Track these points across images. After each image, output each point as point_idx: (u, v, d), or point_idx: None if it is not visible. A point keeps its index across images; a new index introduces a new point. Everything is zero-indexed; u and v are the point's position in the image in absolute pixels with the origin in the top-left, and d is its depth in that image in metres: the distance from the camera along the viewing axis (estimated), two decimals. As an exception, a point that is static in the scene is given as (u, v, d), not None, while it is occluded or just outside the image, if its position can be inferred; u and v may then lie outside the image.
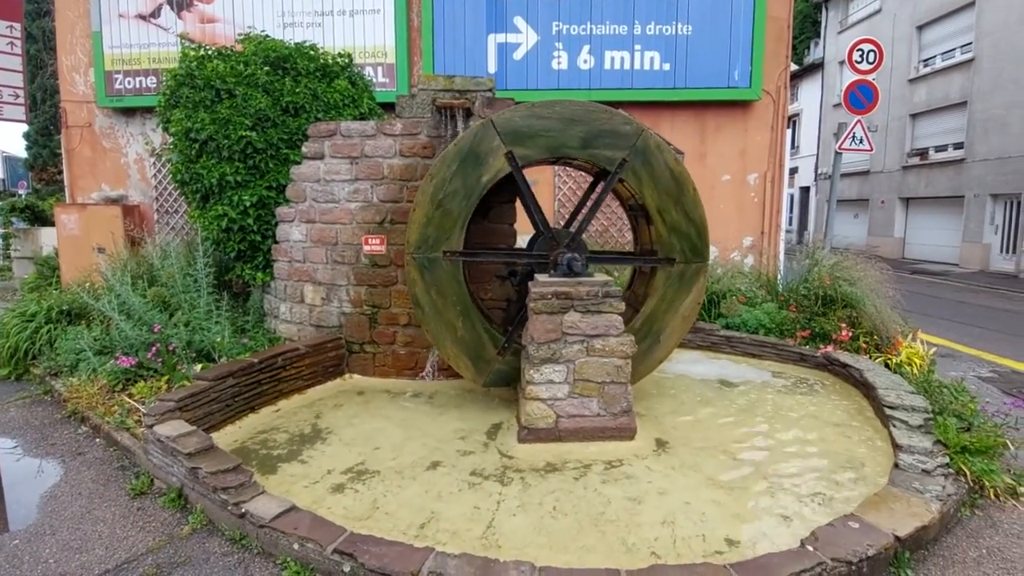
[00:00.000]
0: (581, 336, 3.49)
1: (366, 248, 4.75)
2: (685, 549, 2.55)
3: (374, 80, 7.76)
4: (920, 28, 16.90)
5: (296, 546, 2.44)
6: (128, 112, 8.60)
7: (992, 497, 3.17)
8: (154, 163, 8.60)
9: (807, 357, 5.32)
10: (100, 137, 8.74)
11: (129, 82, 8.35)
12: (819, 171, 22.23)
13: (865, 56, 6.78)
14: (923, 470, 3.18)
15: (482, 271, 4.72)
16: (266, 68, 5.29)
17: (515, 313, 4.56)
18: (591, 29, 7.64)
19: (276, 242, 5.21)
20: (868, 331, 5.40)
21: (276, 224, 5.19)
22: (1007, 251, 14.63)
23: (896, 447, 3.45)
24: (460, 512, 2.81)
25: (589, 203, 4.30)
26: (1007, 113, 14.02)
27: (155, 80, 8.19)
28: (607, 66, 7.71)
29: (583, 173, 7.84)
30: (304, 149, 4.85)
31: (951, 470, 3.23)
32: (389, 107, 7.42)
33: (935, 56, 16.38)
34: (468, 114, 4.46)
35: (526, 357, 3.60)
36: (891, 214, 18.73)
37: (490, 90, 4.55)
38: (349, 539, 2.42)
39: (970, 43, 15.05)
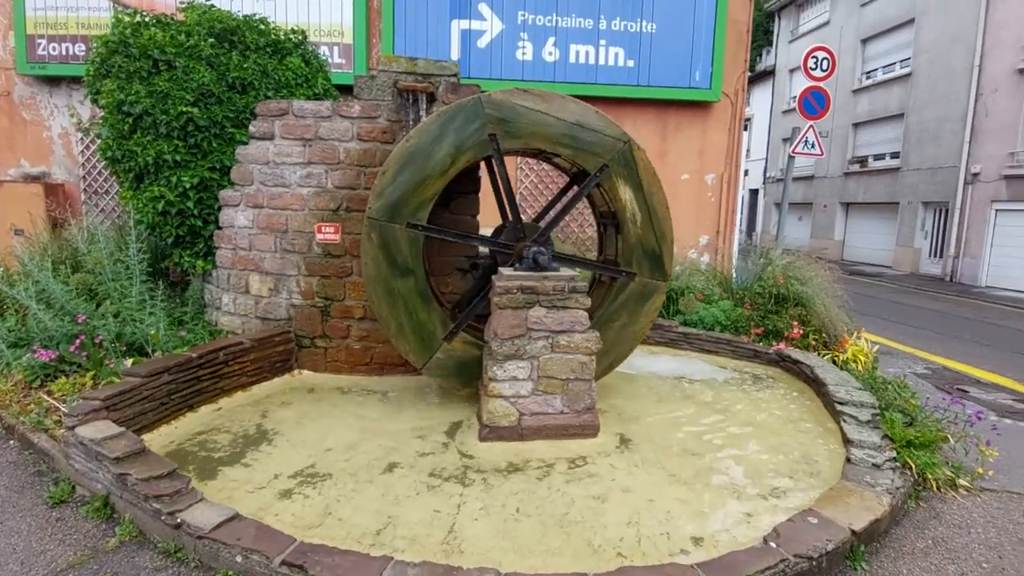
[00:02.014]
0: (546, 332, 3.40)
1: (319, 237, 4.49)
2: (651, 548, 2.52)
3: (330, 60, 7.37)
4: (864, 42, 17.82)
5: (239, 558, 2.23)
6: (52, 81, 7.84)
7: (934, 489, 3.32)
8: (82, 139, 7.89)
9: (760, 354, 5.46)
10: (19, 108, 7.93)
11: (54, 48, 7.61)
12: (768, 175, 23.14)
13: (819, 63, 7.01)
14: (873, 464, 3.29)
15: (442, 263, 4.56)
16: (211, 40, 4.90)
17: (468, 300, 4.43)
18: (557, 21, 7.55)
19: (219, 228, 4.85)
20: (817, 329, 5.60)
21: (219, 208, 4.83)
22: (935, 255, 15.69)
23: (847, 442, 3.56)
24: (419, 517, 2.67)
25: (560, 204, 4.21)
26: (939, 126, 15.00)
27: (84, 48, 7.49)
28: (572, 60, 7.65)
29: (544, 169, 7.82)
30: (252, 128, 4.52)
31: (898, 464, 3.36)
32: (345, 89, 7.07)
33: (877, 69, 17.32)
34: (431, 99, 4.27)
35: (488, 353, 3.48)
36: (832, 218, 19.74)
37: (455, 75, 4.37)
38: (299, 549, 2.24)
39: (909, 58, 16.00)
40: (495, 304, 3.38)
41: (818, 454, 3.55)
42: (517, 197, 7.85)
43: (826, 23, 19.56)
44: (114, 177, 5.14)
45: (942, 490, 3.34)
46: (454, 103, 3.68)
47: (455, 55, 7.63)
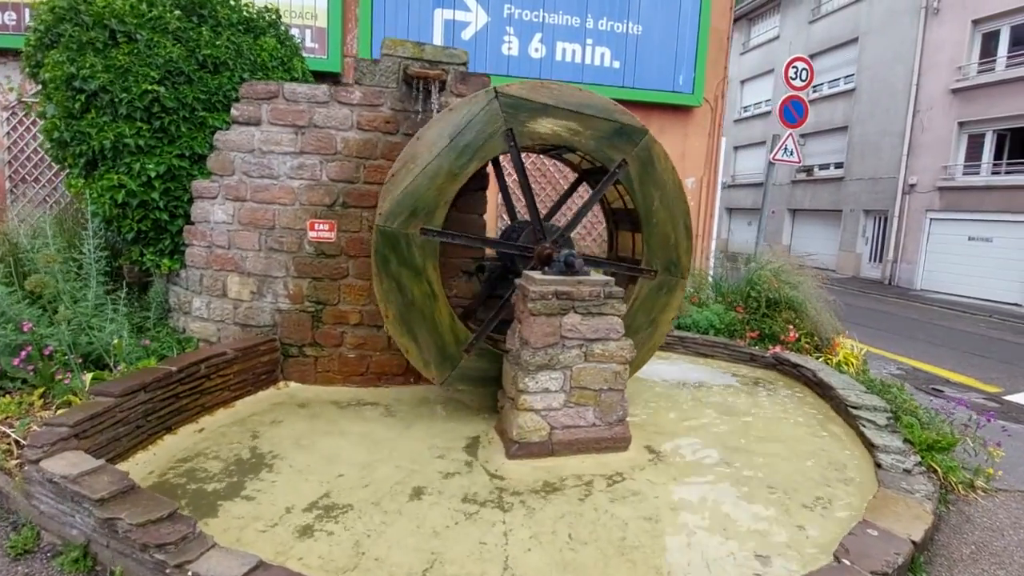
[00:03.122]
0: (581, 340, 3.18)
1: (311, 234, 4.06)
2: (721, 572, 2.35)
3: (302, 44, 6.84)
4: (812, 57, 18.78)
5: (270, 618, 1.87)
6: (-29, 52, 6.82)
7: (958, 492, 3.36)
8: (8, 119, 6.92)
9: (757, 357, 5.48)
10: (-72, 80, 6.85)
11: (-28, 14, 6.62)
12: (722, 181, 23.97)
13: (799, 73, 7.20)
14: (904, 469, 3.28)
15: (447, 265, 4.24)
16: (177, 13, 4.36)
17: (476, 307, 4.17)
18: (544, 17, 7.36)
19: (190, 223, 4.31)
20: (808, 332, 5.69)
21: (191, 201, 4.29)
22: (875, 260, 16.74)
23: (872, 447, 3.56)
24: (466, 551, 2.37)
25: (571, 202, 4.01)
26: (880, 139, 16.02)
27: (15, 17, 6.57)
28: (559, 57, 7.48)
29: (547, 165, 7.58)
30: (234, 112, 4.03)
31: (923, 468, 3.38)
32: (318, 76, 6.61)
33: (823, 83, 18.30)
34: (440, 88, 3.95)
35: (516, 363, 3.22)
36: (780, 223, 20.69)
37: (464, 64, 4.07)
38: (342, 602, 1.90)
39: (853, 74, 17.00)
40: (528, 311, 3.12)
41: (844, 460, 3.53)
42: (512, 197, 7.59)
43: (776, 37, 20.49)
44: (58, 162, 4.46)
45: (963, 492, 3.39)
46: (467, 97, 3.40)
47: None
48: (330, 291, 4.14)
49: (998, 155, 13.54)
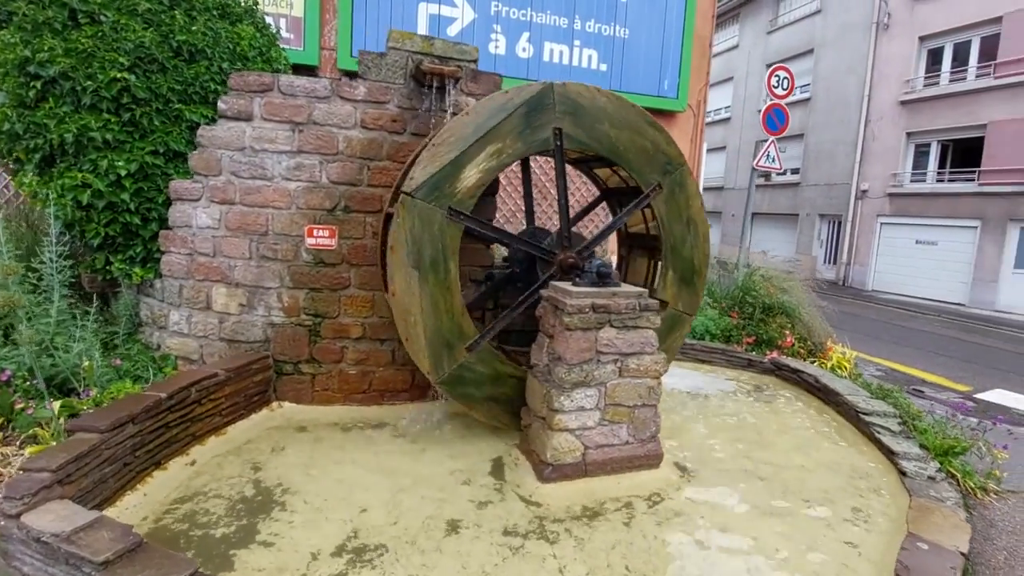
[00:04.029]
0: (616, 355, 3.02)
1: (310, 241, 3.73)
2: None
3: (278, 34, 6.40)
4: (769, 66, 19.53)
5: None
6: None
7: (975, 496, 3.42)
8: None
9: (755, 363, 5.50)
10: None
11: None
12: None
13: (781, 82, 7.35)
14: (928, 477, 3.31)
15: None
16: (148, -8, 3.92)
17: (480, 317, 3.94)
18: (531, 16, 7.20)
19: (167, 227, 3.88)
20: (801, 337, 5.77)
21: (167, 203, 3.86)
22: (829, 262, 17.54)
23: (891, 454, 3.58)
24: (524, 594, 2.16)
25: (588, 218, 3.85)
26: (834, 148, 16.79)
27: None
28: (546, 58, 7.34)
29: (548, 178, 7.37)
30: (222, 105, 3.64)
31: (943, 474, 3.42)
32: (293, 69, 6.19)
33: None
34: (454, 84, 3.70)
35: (548, 381, 3.02)
36: (739, 226, 21.40)
37: (474, 61, 3.84)
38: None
39: (808, 84, 17.75)
40: (561, 325, 2.93)
41: (867, 468, 3.53)
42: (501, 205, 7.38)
43: (736, 46, 21.17)
44: (3, 157, 3.92)
45: (979, 497, 3.45)
46: (524, 88, 3.22)
47: (422, 42, 6.97)
48: (330, 303, 3.81)
49: (942, 164, 14.44)
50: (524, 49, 7.25)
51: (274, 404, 3.83)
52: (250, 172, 3.64)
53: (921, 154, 14.72)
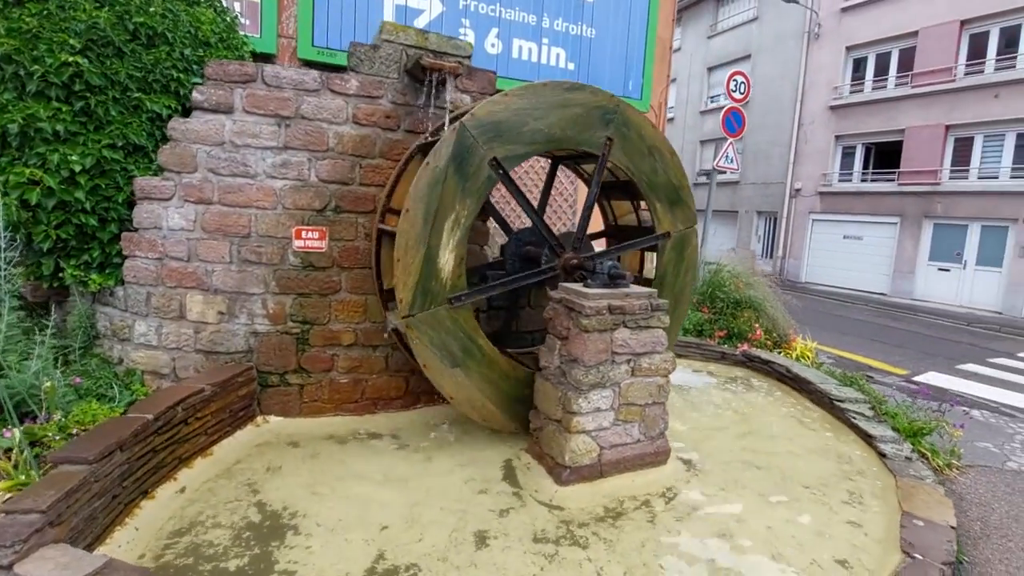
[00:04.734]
0: (630, 355, 3.04)
1: (297, 243, 3.49)
2: None
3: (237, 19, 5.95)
4: (710, 70, 20.42)
5: None
6: None
7: (942, 472, 3.72)
8: None
9: (727, 355, 5.73)
10: None
11: None
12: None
13: (739, 87, 7.68)
14: (906, 457, 3.57)
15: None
16: (97, -33, 3.54)
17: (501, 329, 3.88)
18: (500, 12, 7.10)
19: (131, 229, 3.51)
20: (767, 329, 6.08)
21: (129, 203, 3.50)
22: (767, 255, 18.63)
23: (869, 437, 3.83)
24: (574, 606, 2.13)
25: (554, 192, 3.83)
26: (770, 149, 17.82)
27: None
28: (515, 55, 7.27)
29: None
30: (197, 96, 3.33)
31: (916, 454, 3.71)
32: (252, 58, 5.79)
33: (720, 94, 19.96)
34: (443, 82, 3.57)
35: (563, 383, 3.00)
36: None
37: (468, 56, 3.73)
38: None
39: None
40: (578, 327, 2.90)
41: (848, 452, 3.75)
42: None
43: (678, 49, 21.93)
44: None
45: (945, 472, 3.76)
46: (439, 147, 2.96)
47: (388, 34, 6.71)
48: (319, 308, 3.59)
49: (866, 165, 15.67)
50: (493, 45, 7.15)
51: (259, 419, 3.57)
52: (230, 169, 3.35)
53: (848, 156, 15.91)
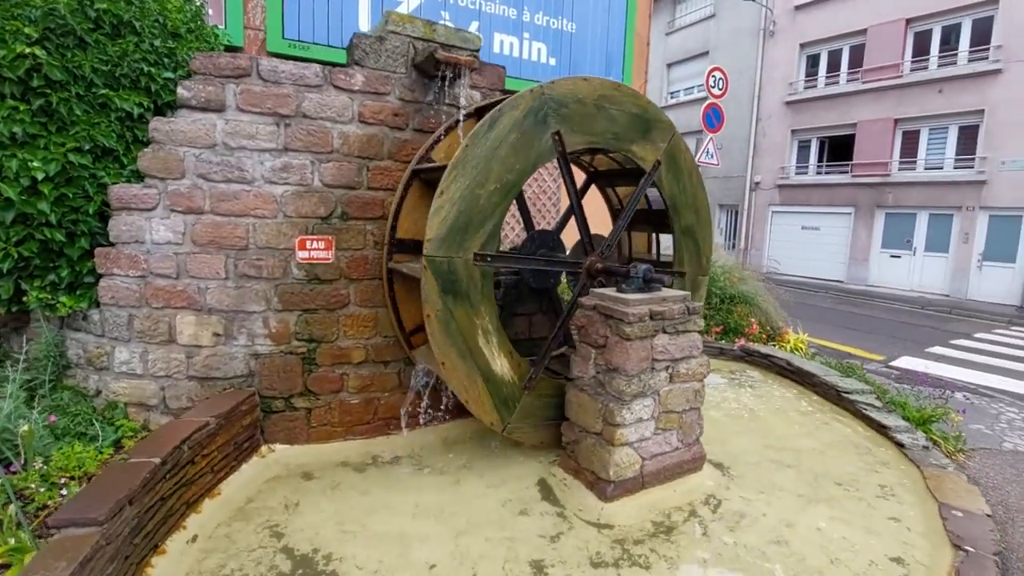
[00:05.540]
0: (669, 361, 2.93)
1: (301, 254, 3.19)
2: None
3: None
4: (669, 66, 20.78)
5: None
6: None
7: (954, 458, 3.81)
8: None
9: (726, 351, 5.76)
10: None
11: None
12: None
13: (717, 82, 7.74)
14: (923, 447, 3.64)
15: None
16: (51, -54, 3.13)
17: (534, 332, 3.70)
18: (481, 4, 6.87)
19: (104, 244, 3.11)
20: (760, 323, 6.15)
21: (100, 214, 3.10)
22: (729, 247, 19.17)
23: (882, 428, 3.90)
24: (659, 640, 1.98)
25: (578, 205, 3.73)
26: (730, 143, 18.30)
27: None
28: (496, 49, 7.06)
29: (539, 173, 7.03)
30: (184, 92, 2.97)
31: (930, 442, 3.78)
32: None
33: (680, 90, 20.36)
34: (457, 76, 3.34)
35: (603, 394, 2.85)
36: (647, 217, 22.65)
37: (477, 50, 3.51)
38: None
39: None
40: (619, 335, 2.76)
41: (866, 443, 3.81)
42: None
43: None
44: None
45: (956, 458, 3.86)
46: (513, 97, 2.91)
47: (364, 26, 6.38)
48: (326, 324, 3.30)
49: (821, 158, 16.33)
50: (474, 39, 6.91)
51: (263, 448, 3.25)
52: (224, 174, 3.01)
53: (804, 149, 16.53)
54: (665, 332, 2.89)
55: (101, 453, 2.73)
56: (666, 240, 4.12)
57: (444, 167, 2.76)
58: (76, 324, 3.23)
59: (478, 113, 3.31)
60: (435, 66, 3.13)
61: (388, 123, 3.28)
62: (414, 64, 3.26)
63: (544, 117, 2.94)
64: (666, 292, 3.04)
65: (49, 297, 3.12)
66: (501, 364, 3.00)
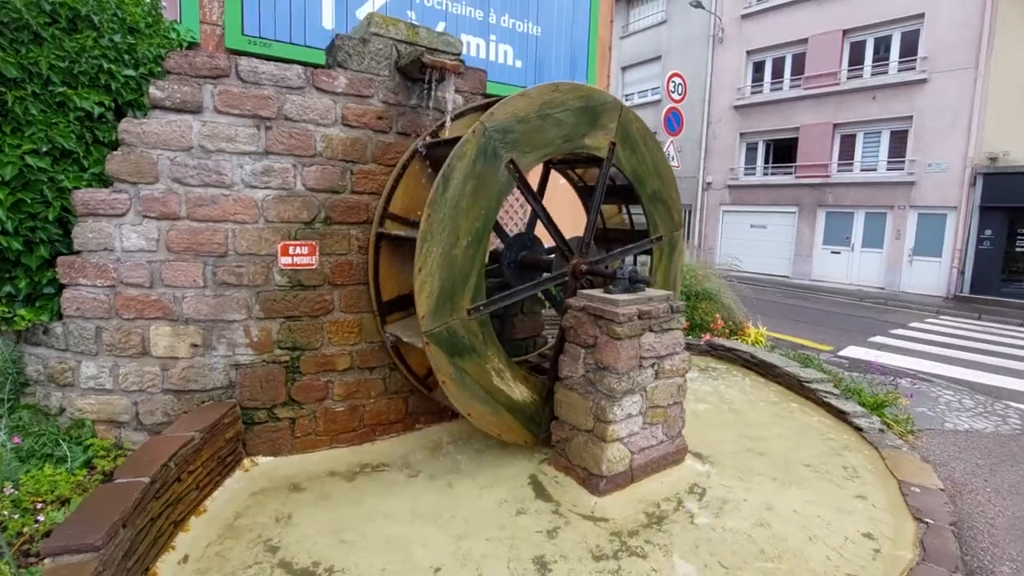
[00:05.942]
0: (655, 358, 3.05)
1: (284, 260, 3.10)
2: (852, 555, 2.55)
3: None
4: (624, 69, 21.30)
5: None
6: None
7: (905, 439, 4.14)
8: None
9: (692, 345, 5.99)
10: None
11: None
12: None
13: (676, 88, 8.02)
14: (879, 430, 3.93)
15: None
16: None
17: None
18: (447, 5, 6.84)
19: (72, 252, 2.93)
20: (724, 319, 6.43)
21: (61, 221, 2.93)
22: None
23: (841, 414, 4.17)
24: (666, 627, 2.07)
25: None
26: (684, 145, 18.93)
27: None
28: (463, 51, 7.04)
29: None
30: (157, 93, 2.83)
31: (884, 425, 4.09)
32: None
33: (634, 93, 20.90)
34: (440, 80, 3.34)
35: (593, 392, 2.94)
36: (605, 216, 23.14)
37: (458, 54, 3.52)
38: None
39: (658, 87, 19.73)
40: (609, 335, 2.85)
41: (827, 429, 4.07)
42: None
43: (592, 48, 22.68)
44: None
45: (906, 439, 4.19)
46: (459, 144, 2.78)
47: (328, 23, 6.22)
48: (310, 332, 3.23)
49: (767, 160, 17.18)
50: (441, 40, 6.88)
51: (246, 462, 3.14)
52: (201, 178, 2.89)
53: (751, 151, 17.34)
54: (651, 331, 3.01)
55: (74, 475, 2.58)
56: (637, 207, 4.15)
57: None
58: (36, 338, 3.02)
59: (459, 118, 3.31)
60: (420, 70, 3.12)
61: (372, 126, 3.24)
62: (398, 67, 3.24)
63: (494, 152, 2.86)
64: (651, 292, 3.16)
65: (5, 310, 2.91)
66: (520, 391, 3.12)
